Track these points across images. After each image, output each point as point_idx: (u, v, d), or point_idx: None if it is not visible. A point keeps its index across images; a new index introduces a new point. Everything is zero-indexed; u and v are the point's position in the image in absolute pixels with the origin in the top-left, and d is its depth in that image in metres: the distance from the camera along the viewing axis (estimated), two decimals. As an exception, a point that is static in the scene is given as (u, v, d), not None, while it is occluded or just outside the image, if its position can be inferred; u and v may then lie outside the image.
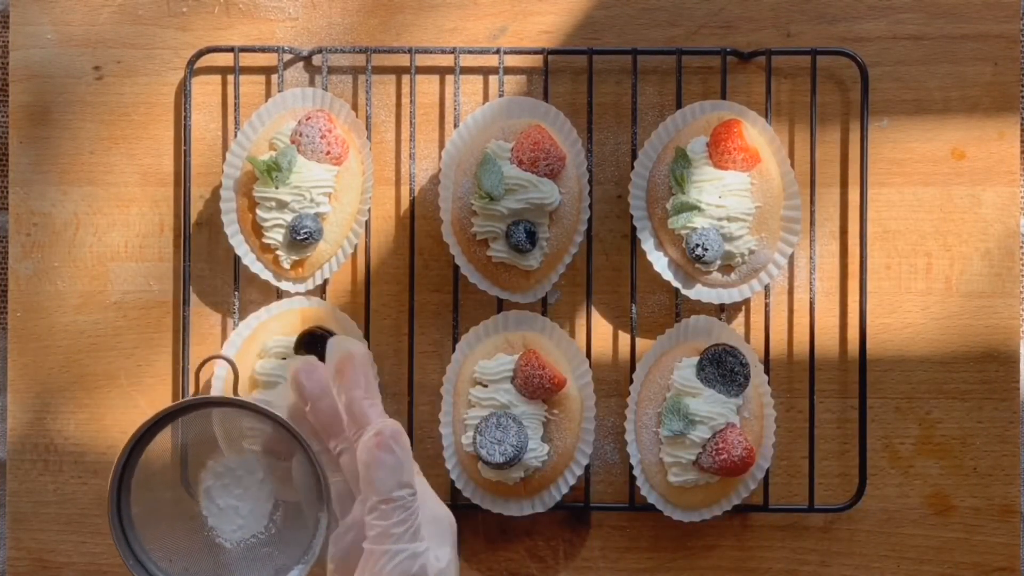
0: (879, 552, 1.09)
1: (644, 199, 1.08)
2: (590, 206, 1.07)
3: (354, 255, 1.10)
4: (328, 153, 1.05)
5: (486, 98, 1.11)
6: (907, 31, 1.10)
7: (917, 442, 1.10)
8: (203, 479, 0.81)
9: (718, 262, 1.05)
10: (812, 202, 1.08)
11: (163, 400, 1.10)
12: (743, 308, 1.10)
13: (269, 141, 1.06)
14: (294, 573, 0.80)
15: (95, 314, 1.10)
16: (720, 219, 1.04)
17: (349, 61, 1.10)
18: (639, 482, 1.06)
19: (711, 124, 1.06)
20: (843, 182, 1.10)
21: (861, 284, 1.08)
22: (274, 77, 1.11)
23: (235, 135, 1.08)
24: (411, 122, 1.09)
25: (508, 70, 1.10)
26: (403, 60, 1.10)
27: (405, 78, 1.11)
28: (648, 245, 1.07)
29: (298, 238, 1.04)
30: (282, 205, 1.05)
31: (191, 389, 1.08)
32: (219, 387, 1.05)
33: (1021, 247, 1.10)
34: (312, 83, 1.11)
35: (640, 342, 1.09)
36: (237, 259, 1.08)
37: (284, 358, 1.04)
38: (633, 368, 1.08)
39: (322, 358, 1.01)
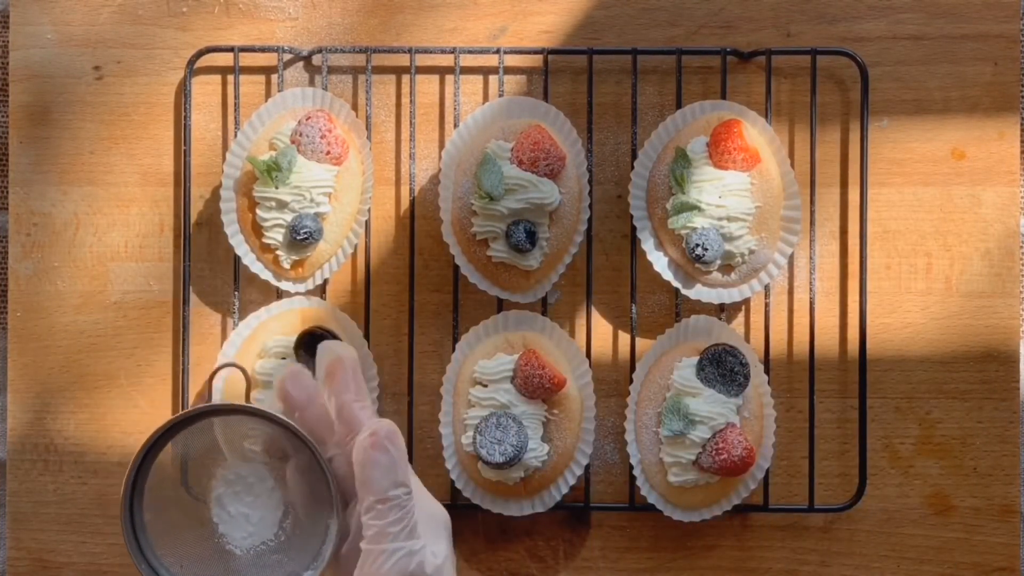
0: (879, 552, 1.09)
1: (644, 199, 1.08)
2: (590, 206, 1.07)
3: (354, 255, 1.10)
4: (328, 153, 1.05)
5: (486, 98, 1.11)
6: (907, 31, 1.10)
7: (917, 442, 1.10)
8: (214, 487, 0.81)
9: (718, 262, 1.05)
10: (812, 202, 1.08)
11: (163, 400, 1.10)
12: (743, 308, 1.10)
13: (269, 141, 1.06)
14: None
15: (95, 314, 1.10)
16: (720, 219, 1.04)
17: (349, 61, 1.11)
18: (639, 482, 1.06)
19: (711, 124, 1.06)
20: (843, 182, 1.10)
21: (861, 284, 1.08)
22: (274, 77, 1.11)
23: (235, 135, 1.08)
24: (411, 122, 1.09)
25: (508, 70, 1.10)
26: (403, 60, 1.10)
27: (405, 78, 1.11)
28: (648, 245, 1.07)
29: (298, 238, 1.04)
30: (282, 205, 1.05)
31: (191, 395, 1.09)
32: (218, 390, 1.05)
33: (1021, 247, 1.10)
34: (312, 83, 1.11)
35: (640, 342, 1.09)
36: (237, 259, 1.08)
37: (284, 358, 1.04)
38: (633, 368, 1.08)
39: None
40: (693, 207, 1.04)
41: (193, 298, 1.10)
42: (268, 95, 1.11)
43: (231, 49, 1.09)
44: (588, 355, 1.08)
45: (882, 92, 1.10)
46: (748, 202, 1.05)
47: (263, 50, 1.09)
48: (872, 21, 1.10)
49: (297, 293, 1.08)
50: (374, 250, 1.10)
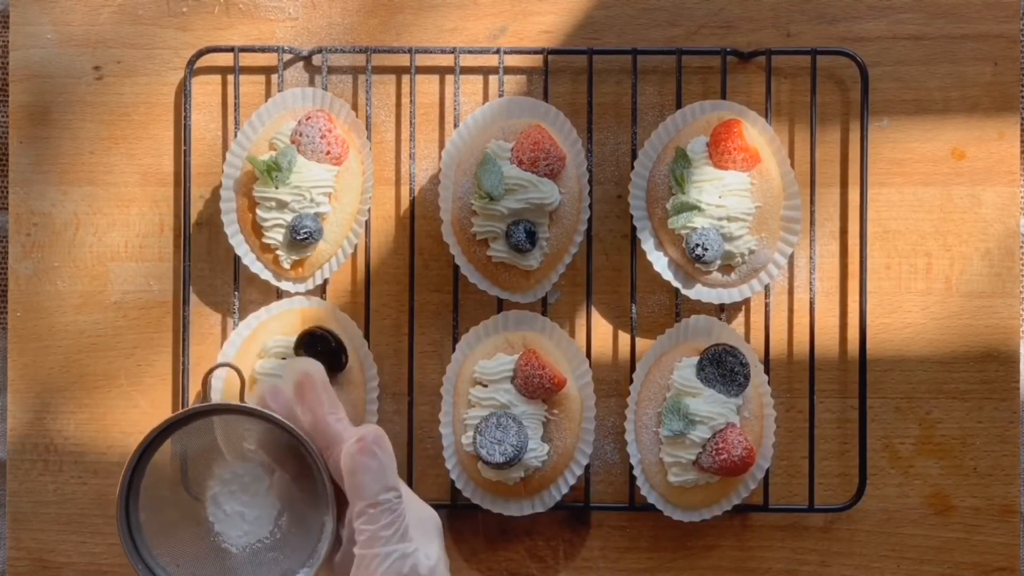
0: (879, 552, 1.09)
1: (644, 199, 1.08)
2: (590, 206, 1.07)
3: (354, 255, 1.10)
4: (328, 153, 1.05)
5: (486, 98, 1.11)
6: (907, 31, 1.10)
7: (917, 442, 1.10)
8: (210, 485, 0.82)
9: (718, 262, 1.05)
10: (812, 202, 1.08)
11: (163, 400, 1.10)
12: (743, 308, 1.10)
13: (269, 141, 1.06)
14: None
15: (95, 314, 1.10)
16: (720, 219, 1.04)
17: (349, 61, 1.10)
18: (639, 482, 1.06)
19: (711, 124, 1.06)
20: (843, 182, 1.10)
21: (861, 284, 1.08)
22: (274, 77, 1.11)
23: (235, 135, 1.08)
24: (411, 122, 1.09)
25: (508, 70, 1.10)
26: (403, 60, 1.10)
27: (405, 78, 1.11)
28: (648, 245, 1.07)
29: (298, 238, 1.04)
30: (282, 205, 1.05)
31: (191, 395, 1.09)
32: (217, 390, 1.05)
33: (1021, 247, 1.10)
34: (312, 83, 1.11)
35: (640, 342, 1.09)
36: (237, 259, 1.08)
37: (284, 358, 1.04)
38: (633, 368, 1.08)
39: (322, 358, 1.01)
40: (693, 207, 1.04)
41: (193, 298, 1.10)
42: (268, 95, 1.11)
43: (231, 49, 1.09)
44: (588, 355, 1.08)
45: (882, 92, 1.10)
46: (748, 202, 1.05)
47: (263, 50, 1.09)
48: (872, 21, 1.10)
49: (297, 293, 1.08)
50: (374, 250, 1.10)
